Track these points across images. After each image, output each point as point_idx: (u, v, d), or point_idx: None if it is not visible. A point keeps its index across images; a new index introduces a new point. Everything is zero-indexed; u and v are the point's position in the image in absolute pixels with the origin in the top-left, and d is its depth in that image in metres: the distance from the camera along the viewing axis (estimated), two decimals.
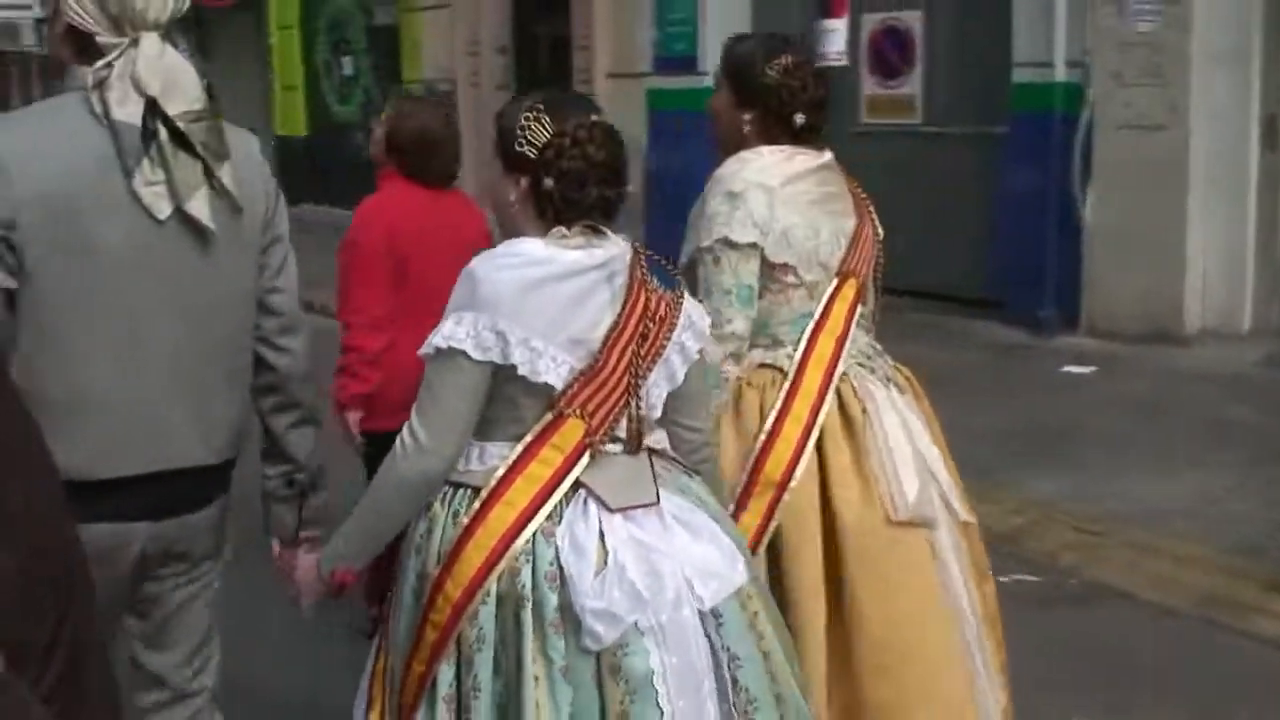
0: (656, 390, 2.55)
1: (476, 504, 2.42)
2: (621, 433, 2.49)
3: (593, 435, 2.43)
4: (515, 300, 2.38)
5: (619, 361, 2.45)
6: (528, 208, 2.51)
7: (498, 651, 2.37)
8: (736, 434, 3.13)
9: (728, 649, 2.41)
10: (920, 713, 3.05)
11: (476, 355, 2.38)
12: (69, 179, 2.43)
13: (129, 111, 2.44)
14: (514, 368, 2.39)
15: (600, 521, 2.40)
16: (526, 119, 2.49)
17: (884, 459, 3.09)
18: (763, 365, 3.17)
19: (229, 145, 2.56)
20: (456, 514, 2.47)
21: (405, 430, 2.45)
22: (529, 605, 2.35)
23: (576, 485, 2.43)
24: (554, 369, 2.42)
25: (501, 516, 2.39)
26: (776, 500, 3.05)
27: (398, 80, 17.82)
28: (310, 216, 19.16)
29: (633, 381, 2.47)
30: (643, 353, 2.47)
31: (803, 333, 3.15)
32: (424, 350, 2.46)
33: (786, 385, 3.11)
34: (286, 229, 2.77)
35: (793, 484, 3.05)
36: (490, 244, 2.90)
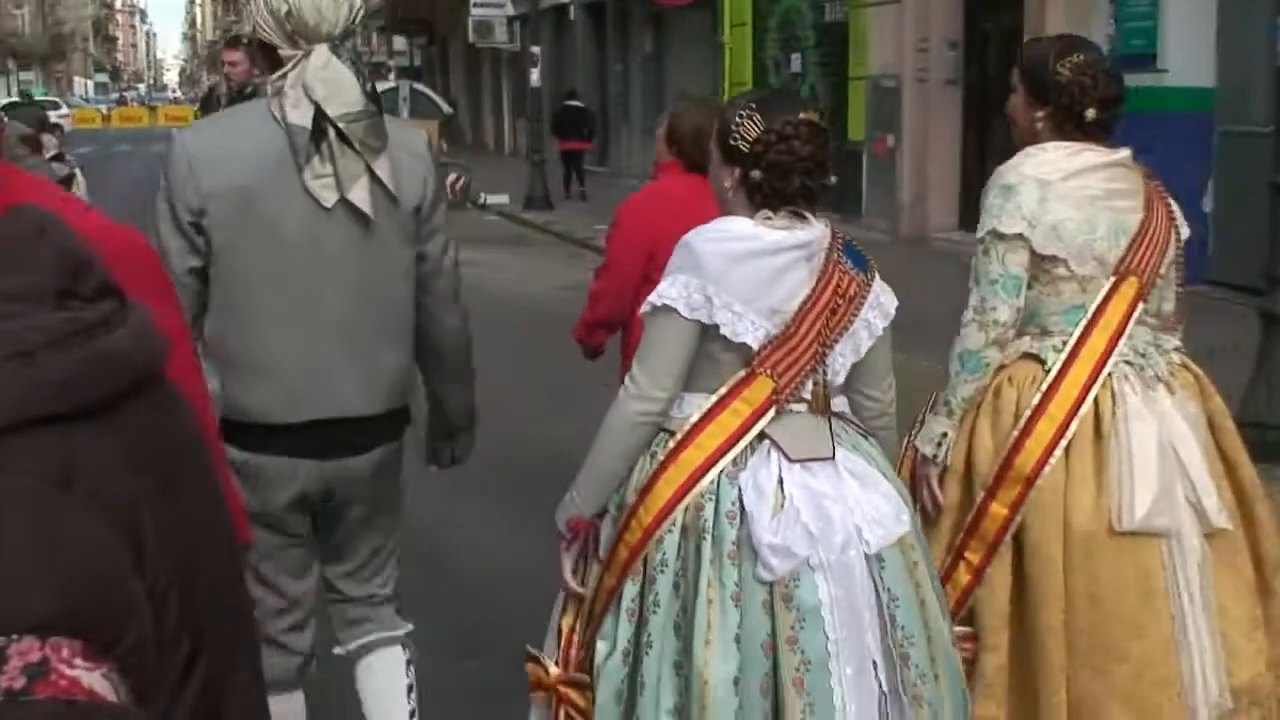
0: (841, 359, 2.81)
1: (671, 444, 2.73)
2: (807, 394, 2.75)
3: (780, 394, 2.72)
4: (722, 269, 2.69)
5: (809, 331, 2.73)
6: (740, 194, 2.79)
7: (678, 576, 2.68)
8: (992, 429, 3.26)
9: (888, 589, 2.69)
10: (1117, 710, 3.14)
11: (686, 313, 2.68)
12: (251, 174, 2.88)
13: (301, 115, 2.86)
14: (717, 327, 2.69)
15: (780, 469, 2.69)
16: (740, 116, 2.78)
17: (1121, 469, 3.14)
18: (1027, 355, 3.27)
19: (390, 141, 2.94)
20: (654, 454, 2.76)
21: (627, 379, 2.77)
22: (709, 538, 2.65)
23: (762, 436, 2.72)
24: (751, 331, 2.71)
25: (691, 458, 2.70)
26: (1023, 495, 3.17)
27: (844, 76, 17.91)
28: None
29: (820, 349, 2.75)
30: (831, 325, 2.75)
31: (1074, 325, 3.23)
32: (644, 309, 2.78)
33: (1046, 383, 3.20)
34: (443, 220, 3.15)
35: (1040, 480, 3.15)
36: None
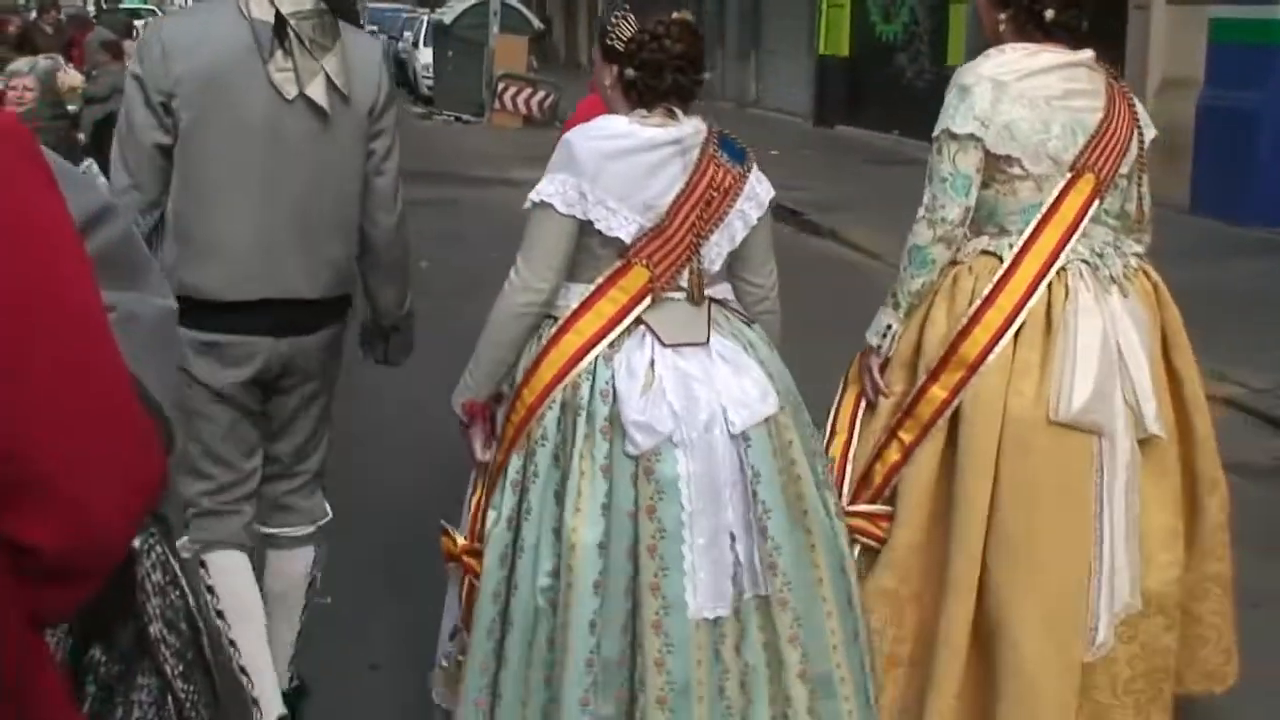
0: (717, 249, 3.01)
1: (554, 330, 2.95)
2: (684, 283, 2.96)
3: (655, 282, 2.92)
4: (597, 166, 2.90)
5: (683, 223, 2.93)
6: (618, 91, 3.01)
7: (557, 448, 2.92)
8: (948, 315, 3.33)
9: (752, 466, 2.89)
10: (1027, 597, 3.20)
11: (562, 209, 2.90)
12: (220, 61, 3.14)
13: (262, 10, 3.14)
14: (592, 223, 2.90)
15: (653, 352, 2.91)
16: (615, 18, 3.02)
17: (1064, 361, 3.21)
18: (985, 252, 3.35)
19: (346, 44, 3.23)
20: (540, 339, 2.98)
21: (512, 272, 2.98)
22: (584, 414, 2.88)
23: (638, 322, 2.93)
24: (625, 226, 2.92)
25: (571, 342, 2.92)
26: (964, 381, 3.25)
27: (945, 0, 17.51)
28: (847, 139, 19.25)
29: (695, 240, 2.95)
30: (705, 217, 2.95)
31: (1029, 224, 3.28)
32: (525, 206, 2.98)
33: (999, 274, 3.27)
34: (392, 124, 3.41)
35: (983, 369, 3.23)
36: None
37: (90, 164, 6.75)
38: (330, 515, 3.65)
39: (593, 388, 2.90)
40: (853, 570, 3.08)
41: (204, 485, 3.37)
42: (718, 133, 3.03)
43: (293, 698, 3.61)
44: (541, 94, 22.18)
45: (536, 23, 25.19)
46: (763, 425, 2.91)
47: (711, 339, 2.95)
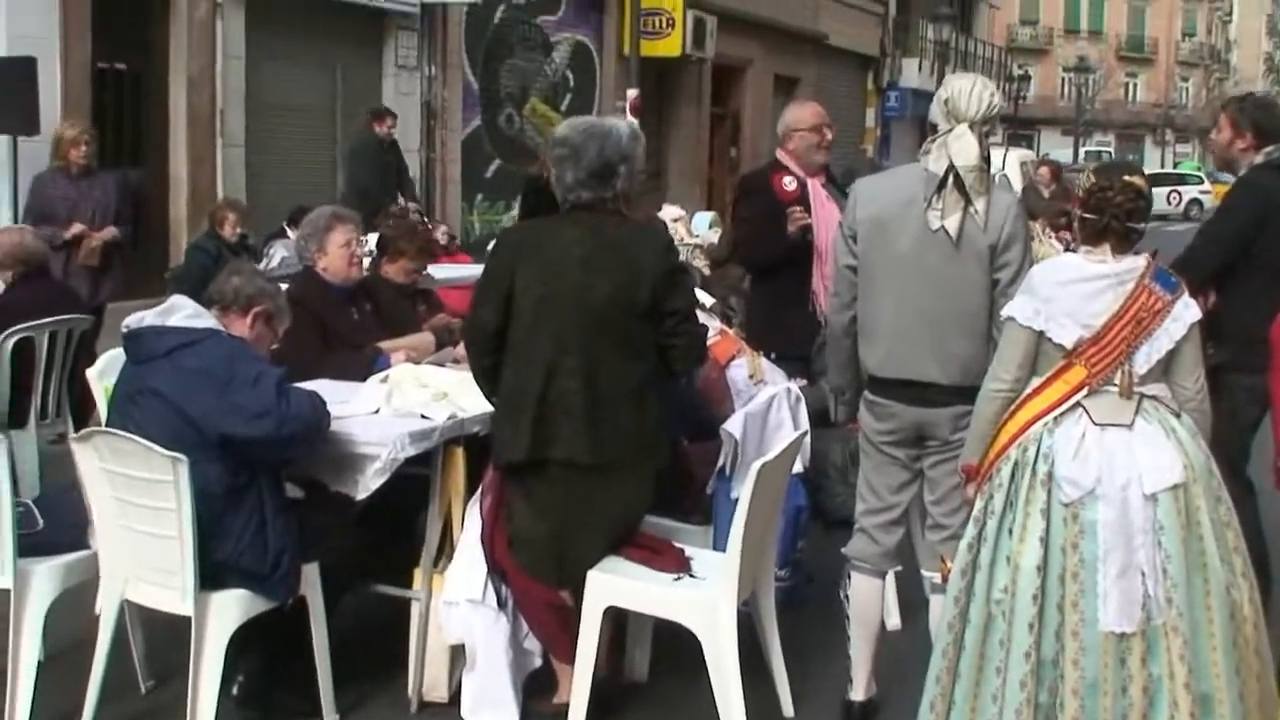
0: (1145, 357, 3.81)
1: (1012, 407, 3.89)
2: (1116, 380, 3.79)
3: (1091, 379, 3.80)
4: (1051, 291, 3.83)
5: (1117, 335, 3.79)
6: (1078, 230, 3.94)
7: (1009, 492, 3.83)
8: None
9: (1159, 521, 3.71)
10: None
11: (1023, 322, 3.85)
12: (888, 207, 4.28)
13: (938, 166, 4.18)
14: (1044, 332, 3.82)
15: (1085, 428, 3.79)
16: (1081, 174, 4.00)
17: None
18: None
19: (988, 193, 4.17)
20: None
21: (989, 369, 3.98)
22: (1029, 469, 3.80)
23: (1077, 406, 3.81)
24: (1069, 335, 3.81)
25: (1022, 417, 3.88)
26: None
27: None
28: None
29: (1126, 349, 3.78)
30: (1136, 332, 3.79)
31: None
32: (1000, 320, 3.98)
33: None
34: (1017, 259, 4.21)
35: None
36: None
37: None
38: None
39: (1038, 450, 3.80)
40: (1245, 622, 3.76)
41: (860, 506, 4.56)
42: (1155, 268, 3.82)
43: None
44: None
45: None
46: (1170, 491, 3.71)
47: (1136, 423, 3.78)
